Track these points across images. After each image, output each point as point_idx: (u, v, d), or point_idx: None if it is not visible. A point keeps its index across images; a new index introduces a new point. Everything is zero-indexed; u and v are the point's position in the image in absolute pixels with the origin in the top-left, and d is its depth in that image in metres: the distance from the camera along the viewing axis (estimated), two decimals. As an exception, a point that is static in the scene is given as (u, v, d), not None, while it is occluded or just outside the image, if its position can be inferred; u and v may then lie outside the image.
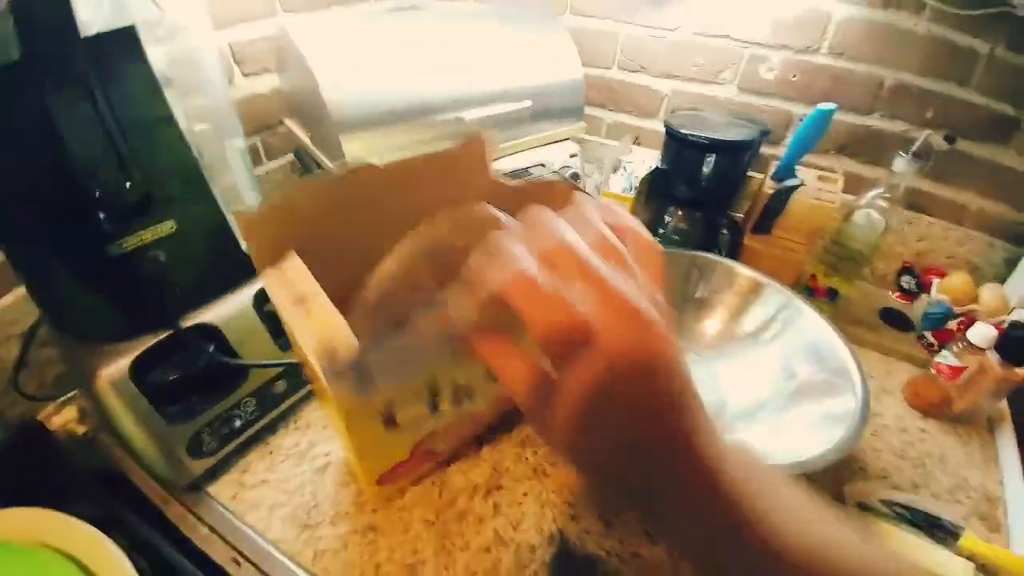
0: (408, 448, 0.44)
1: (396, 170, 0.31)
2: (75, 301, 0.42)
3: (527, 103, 0.64)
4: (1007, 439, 0.56)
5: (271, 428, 0.55)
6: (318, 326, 0.24)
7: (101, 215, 0.36)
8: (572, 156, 0.72)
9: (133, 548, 0.47)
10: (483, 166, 0.35)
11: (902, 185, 0.61)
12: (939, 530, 0.45)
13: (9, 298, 0.52)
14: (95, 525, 0.40)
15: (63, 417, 0.54)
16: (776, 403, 0.50)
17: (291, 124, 0.71)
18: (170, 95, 0.39)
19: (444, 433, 0.46)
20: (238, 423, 0.51)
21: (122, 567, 0.39)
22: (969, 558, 0.43)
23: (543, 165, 0.70)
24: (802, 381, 0.50)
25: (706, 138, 0.64)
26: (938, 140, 0.63)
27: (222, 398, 0.49)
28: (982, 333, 0.54)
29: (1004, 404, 0.59)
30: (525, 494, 0.49)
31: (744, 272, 0.61)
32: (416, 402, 0.40)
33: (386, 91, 0.56)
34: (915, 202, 0.71)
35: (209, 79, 0.42)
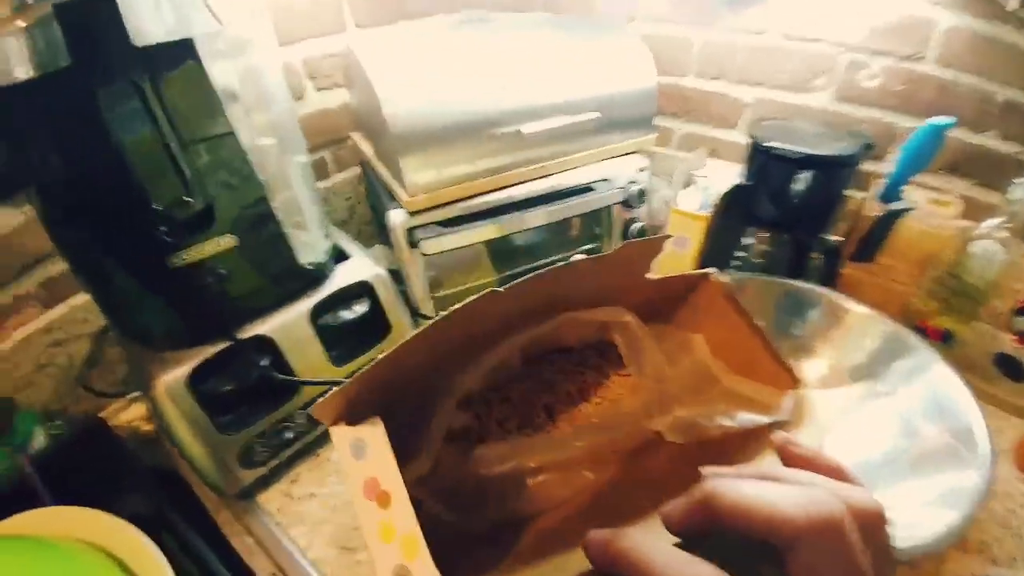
0: None
1: (524, 287, 0.23)
2: (137, 310, 0.43)
3: (595, 114, 0.60)
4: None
5: (322, 440, 0.55)
6: (397, 548, 0.20)
7: (162, 228, 0.37)
8: (641, 170, 0.67)
9: (183, 550, 0.48)
10: (642, 270, 0.28)
11: (1023, 214, 0.52)
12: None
13: (81, 297, 0.55)
14: (150, 524, 0.41)
15: (130, 414, 0.56)
16: (892, 469, 0.42)
17: (357, 137, 0.72)
18: (235, 110, 0.39)
19: None
20: (289, 434, 0.51)
21: (164, 573, 0.38)
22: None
23: (607, 180, 0.65)
24: (924, 443, 0.42)
25: (801, 153, 0.57)
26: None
27: (275, 410, 0.49)
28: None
29: None
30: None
31: (855, 308, 0.52)
32: None
33: (448, 105, 0.54)
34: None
35: (273, 94, 0.42)
